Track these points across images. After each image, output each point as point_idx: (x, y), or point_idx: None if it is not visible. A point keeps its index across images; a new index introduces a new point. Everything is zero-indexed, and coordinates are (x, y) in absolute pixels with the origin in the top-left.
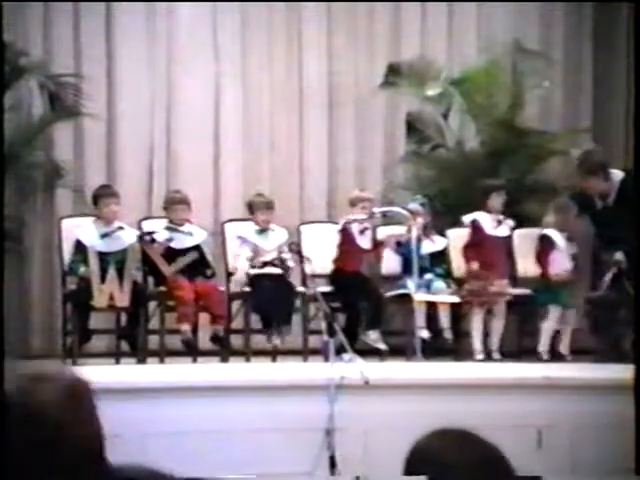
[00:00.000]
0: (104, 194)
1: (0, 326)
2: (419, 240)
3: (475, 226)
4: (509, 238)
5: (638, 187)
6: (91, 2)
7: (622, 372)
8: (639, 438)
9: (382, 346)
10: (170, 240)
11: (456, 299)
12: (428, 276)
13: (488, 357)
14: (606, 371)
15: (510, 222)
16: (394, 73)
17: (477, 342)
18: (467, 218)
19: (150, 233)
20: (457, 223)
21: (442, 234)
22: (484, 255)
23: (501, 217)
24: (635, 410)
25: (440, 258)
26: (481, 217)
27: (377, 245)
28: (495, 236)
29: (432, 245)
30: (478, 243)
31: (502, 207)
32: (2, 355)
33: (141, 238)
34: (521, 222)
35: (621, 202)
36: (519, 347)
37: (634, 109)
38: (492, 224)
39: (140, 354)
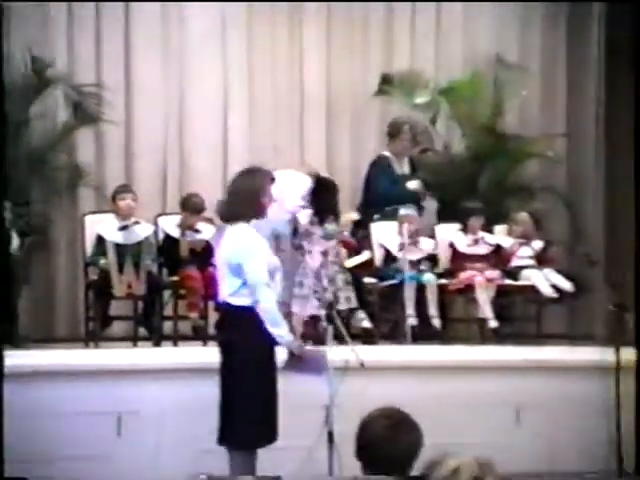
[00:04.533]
0: (121, 191)
1: (0, 322)
2: (402, 248)
3: (452, 247)
4: (490, 252)
5: (638, 186)
6: (110, 15)
7: (599, 354)
8: (639, 438)
9: (368, 324)
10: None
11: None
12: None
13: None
14: (583, 354)
15: (490, 239)
16: (387, 83)
17: (487, 311)
18: (442, 233)
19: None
20: (444, 220)
21: (431, 232)
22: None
23: (479, 236)
24: (635, 411)
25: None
26: (457, 238)
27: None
28: (472, 254)
29: (419, 253)
30: (458, 259)
31: (480, 227)
32: (2, 354)
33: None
34: (501, 219)
35: None
36: (499, 331)
37: (634, 115)
38: (468, 242)
39: (155, 338)
